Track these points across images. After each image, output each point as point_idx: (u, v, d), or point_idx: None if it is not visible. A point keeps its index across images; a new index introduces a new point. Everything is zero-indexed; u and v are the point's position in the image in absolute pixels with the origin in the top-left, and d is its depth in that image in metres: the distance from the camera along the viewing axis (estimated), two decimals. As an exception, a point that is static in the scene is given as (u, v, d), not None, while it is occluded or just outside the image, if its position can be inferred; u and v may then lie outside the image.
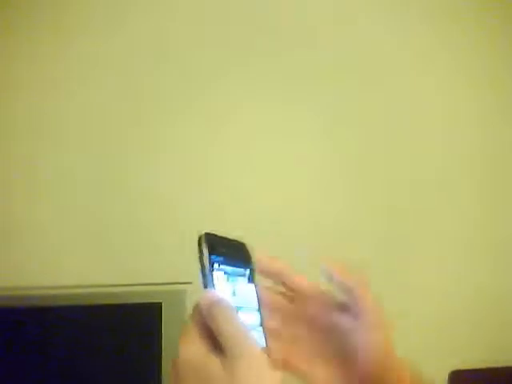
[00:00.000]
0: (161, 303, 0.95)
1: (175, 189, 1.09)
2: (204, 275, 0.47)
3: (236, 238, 0.51)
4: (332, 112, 1.15)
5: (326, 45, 1.14)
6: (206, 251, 0.47)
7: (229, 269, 0.49)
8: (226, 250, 0.49)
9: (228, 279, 0.48)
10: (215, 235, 0.49)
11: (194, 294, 0.47)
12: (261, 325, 0.49)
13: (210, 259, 0.47)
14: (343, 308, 0.54)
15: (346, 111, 1.16)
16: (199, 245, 0.48)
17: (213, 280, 0.47)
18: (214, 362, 0.43)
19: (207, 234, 0.48)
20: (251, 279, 0.51)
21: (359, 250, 1.15)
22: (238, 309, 0.47)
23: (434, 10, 1.18)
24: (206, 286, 0.47)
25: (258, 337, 0.48)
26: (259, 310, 0.50)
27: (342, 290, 0.54)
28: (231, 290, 0.48)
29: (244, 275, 0.50)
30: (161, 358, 0.93)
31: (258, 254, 0.52)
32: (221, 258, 0.48)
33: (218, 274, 0.48)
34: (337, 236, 1.15)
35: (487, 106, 1.21)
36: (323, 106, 1.15)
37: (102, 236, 1.04)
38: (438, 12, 1.18)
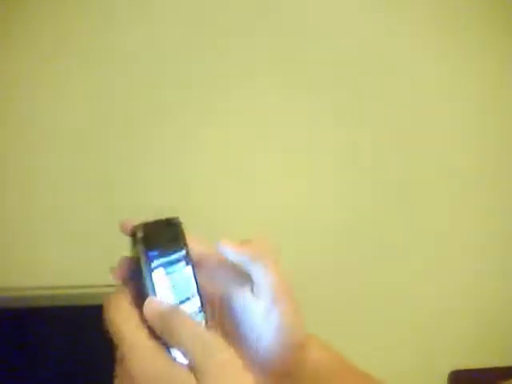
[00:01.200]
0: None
1: (175, 188, 1.09)
2: (144, 281, 0.42)
3: (168, 217, 0.46)
4: (339, 109, 1.14)
5: (332, 36, 1.11)
6: (143, 255, 0.42)
7: (166, 260, 0.44)
8: (162, 238, 0.44)
9: (166, 272, 0.44)
10: (149, 223, 0.44)
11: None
12: (201, 310, 0.46)
13: (148, 261, 0.43)
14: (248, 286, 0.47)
15: (351, 106, 1.15)
16: (134, 244, 0.43)
17: (154, 284, 0.42)
18: (180, 370, 0.40)
19: (143, 228, 0.43)
20: (188, 260, 0.47)
21: (359, 249, 1.15)
22: (181, 303, 0.44)
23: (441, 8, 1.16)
24: (146, 293, 0.42)
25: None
26: (198, 292, 0.46)
27: (245, 265, 0.47)
28: (171, 285, 0.44)
29: (181, 258, 0.46)
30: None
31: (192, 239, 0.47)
32: (157, 252, 0.43)
33: (157, 273, 0.43)
34: (346, 230, 1.15)
35: (490, 105, 1.20)
36: (328, 103, 1.14)
37: (101, 236, 1.05)
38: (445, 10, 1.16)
